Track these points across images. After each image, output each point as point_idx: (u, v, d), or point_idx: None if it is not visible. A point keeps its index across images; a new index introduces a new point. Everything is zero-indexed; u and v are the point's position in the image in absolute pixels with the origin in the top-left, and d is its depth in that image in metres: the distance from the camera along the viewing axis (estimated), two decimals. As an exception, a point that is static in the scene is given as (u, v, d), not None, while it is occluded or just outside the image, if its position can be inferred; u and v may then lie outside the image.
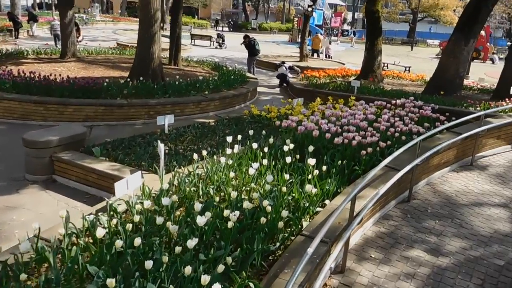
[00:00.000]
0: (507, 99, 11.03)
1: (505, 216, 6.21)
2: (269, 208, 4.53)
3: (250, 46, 17.09)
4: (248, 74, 16.04)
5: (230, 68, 15.91)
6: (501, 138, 8.61)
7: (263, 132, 7.66)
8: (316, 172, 5.63)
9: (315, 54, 26.93)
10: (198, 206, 4.32)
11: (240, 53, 26.61)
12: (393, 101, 9.98)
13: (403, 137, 7.36)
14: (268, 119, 9.70)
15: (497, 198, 6.72)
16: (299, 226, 4.83)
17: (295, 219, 4.79)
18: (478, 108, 10.30)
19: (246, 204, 4.55)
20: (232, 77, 13.87)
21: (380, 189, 5.16)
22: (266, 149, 6.26)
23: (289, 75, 16.77)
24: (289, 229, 4.74)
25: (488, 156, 8.40)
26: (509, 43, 50.04)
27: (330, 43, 27.38)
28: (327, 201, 5.41)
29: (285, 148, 6.24)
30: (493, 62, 34.07)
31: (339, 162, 6.26)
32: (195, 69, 15.93)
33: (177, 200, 4.93)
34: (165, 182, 5.37)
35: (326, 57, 27.00)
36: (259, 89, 15.94)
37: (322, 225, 4.67)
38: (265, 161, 5.93)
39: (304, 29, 22.80)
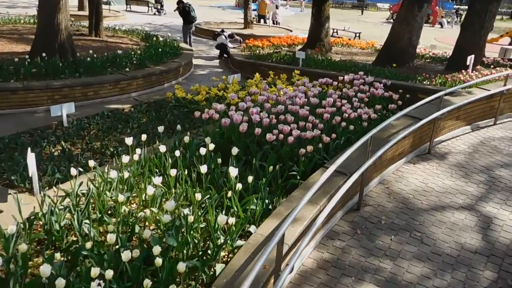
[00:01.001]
0: (463, 70, 10.01)
1: (471, 223, 5.12)
2: (159, 262, 3.12)
3: (185, 12, 15.18)
4: (183, 45, 14.27)
5: (161, 39, 14.05)
6: (460, 118, 7.55)
7: (180, 125, 6.16)
8: (239, 186, 4.26)
9: (262, 20, 25.21)
10: (45, 270, 2.84)
11: (180, 20, 24.48)
12: (341, 77, 8.71)
13: (352, 126, 6.09)
14: (195, 103, 8.17)
15: (461, 198, 5.63)
16: (210, 273, 3.48)
17: (202, 267, 3.42)
18: (434, 83, 9.21)
19: (128, 255, 3.10)
20: (160, 49, 12.07)
21: (324, 207, 3.89)
22: (178, 152, 4.81)
23: (229, 45, 15.11)
24: (192, 283, 3.37)
25: (446, 141, 7.33)
26: (456, 7, 50.10)
27: (277, 7, 25.66)
28: (252, 228, 4.08)
29: (203, 150, 4.81)
30: (441, 26, 33.60)
31: (272, 167, 4.91)
32: (122, 40, 13.96)
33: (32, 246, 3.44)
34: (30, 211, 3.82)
35: (273, 23, 25.36)
36: (196, 61, 14.25)
37: (241, 272, 3.37)
38: (173, 171, 4.49)
39: (248, -7, 20.95)
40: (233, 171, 4.31)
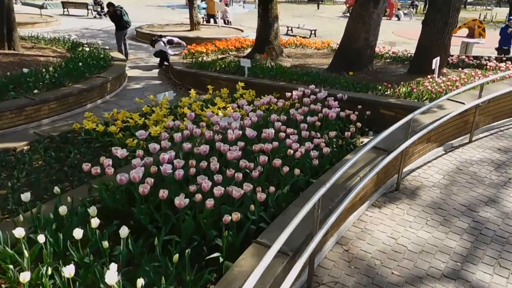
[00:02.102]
0: (428, 75, 8.78)
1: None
2: None
3: (116, 17, 13.36)
4: (116, 55, 12.53)
5: (87, 49, 12.24)
6: (432, 140, 6.27)
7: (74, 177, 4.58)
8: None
9: (212, 20, 23.58)
10: None
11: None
12: (289, 93, 7.32)
13: (297, 171, 4.65)
14: (110, 135, 6.55)
15: (442, 260, 4.29)
16: None
17: None
18: (398, 93, 7.91)
19: None
20: (81, 63, 10.30)
21: None
22: (42, 237, 3.26)
23: (170, 52, 13.45)
24: None
25: (417, 170, 6.03)
26: (411, -3, 49.88)
27: (227, 5, 24.09)
28: None
29: (77, 233, 3.28)
30: (398, 19, 32.93)
31: (187, 247, 3.41)
32: (42, 52, 12.07)
33: None
34: None
35: (224, 22, 23.79)
36: (132, 72, 12.57)
37: None
38: (24, 275, 2.93)
39: (193, -10, 19.22)
40: (111, 278, 2.78)
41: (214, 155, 4.78)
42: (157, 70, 13.28)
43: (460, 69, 10.22)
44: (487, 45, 19.06)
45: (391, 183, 5.55)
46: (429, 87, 7.59)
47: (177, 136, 4.96)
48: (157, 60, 13.73)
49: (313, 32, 21.79)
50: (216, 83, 10.46)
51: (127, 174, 4.03)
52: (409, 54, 12.62)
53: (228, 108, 7.43)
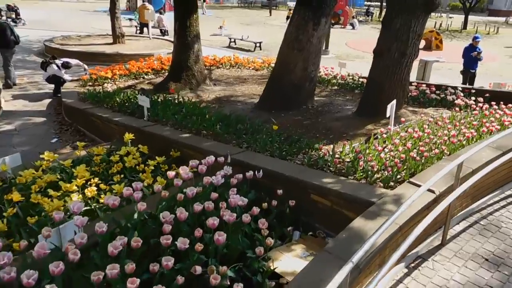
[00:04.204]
0: (382, 130, 6.53)
1: None
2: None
3: (-2, 32, 10.50)
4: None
5: None
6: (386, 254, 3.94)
7: None
8: None
9: (146, 30, 20.81)
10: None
11: (41, 32, 19.49)
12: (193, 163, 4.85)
13: None
14: None
15: None
16: None
17: None
18: (339, 163, 5.53)
19: None
20: None
21: None
22: None
23: (66, 77, 10.69)
24: None
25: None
26: (367, 3, 48.68)
27: (161, 13, 21.41)
28: None
29: None
30: (353, 27, 31.16)
31: None
32: None
33: None
34: None
35: (161, 32, 21.10)
36: (14, 104, 9.81)
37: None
38: None
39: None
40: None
41: None
42: (49, 101, 10.49)
43: (421, 108, 8.07)
44: (446, 57, 17.40)
45: None
46: (382, 155, 5.27)
47: None
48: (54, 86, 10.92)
49: (258, 44, 19.46)
50: (107, 127, 7.89)
51: None
52: (360, 81, 10.47)
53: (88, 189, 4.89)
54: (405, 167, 5.14)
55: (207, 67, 12.41)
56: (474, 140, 5.95)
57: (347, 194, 4.46)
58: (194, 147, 6.09)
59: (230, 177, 4.86)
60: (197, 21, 9.76)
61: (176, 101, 8.28)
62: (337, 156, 5.65)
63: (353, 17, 32.45)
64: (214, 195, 4.35)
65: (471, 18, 36.55)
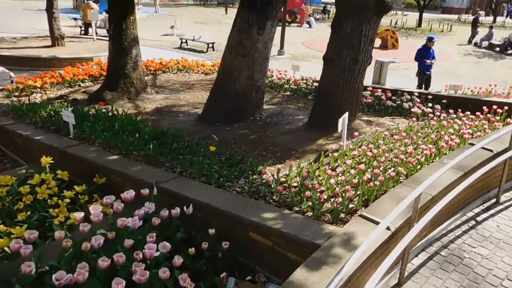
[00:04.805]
0: (334, 147, 5.91)
1: None
2: None
3: None
4: None
5: None
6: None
7: None
8: None
9: (90, 30, 19.54)
10: None
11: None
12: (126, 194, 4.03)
13: None
14: None
15: None
16: None
17: None
18: (284, 187, 4.87)
19: None
20: None
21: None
22: None
23: (-11, 86, 9.56)
24: None
25: None
26: (324, 0, 48.60)
27: (107, 12, 20.12)
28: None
29: None
30: (310, 26, 30.77)
31: None
32: None
33: None
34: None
35: (108, 33, 19.81)
36: None
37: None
38: None
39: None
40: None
41: None
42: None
43: (376, 117, 7.53)
44: (402, 55, 17.15)
45: None
46: (332, 181, 4.61)
47: None
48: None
49: (210, 45, 18.61)
50: (29, 147, 6.93)
51: None
52: (314, 85, 9.90)
53: None
54: (358, 193, 4.53)
55: (151, 72, 11.54)
56: (433, 156, 5.42)
57: (289, 234, 3.78)
58: (120, 173, 5.26)
59: (153, 214, 4.10)
60: (134, 23, 8.87)
61: (111, 114, 7.39)
62: (283, 179, 4.99)
63: (309, 16, 32.06)
64: (129, 242, 3.57)
65: (425, 15, 36.98)
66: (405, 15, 37.52)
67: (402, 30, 32.09)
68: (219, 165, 5.40)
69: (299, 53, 20.46)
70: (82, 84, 10.14)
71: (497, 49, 24.81)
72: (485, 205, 5.39)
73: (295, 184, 4.89)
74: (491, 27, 27.22)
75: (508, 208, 5.35)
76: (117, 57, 8.78)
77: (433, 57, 11.55)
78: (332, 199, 4.39)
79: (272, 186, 4.67)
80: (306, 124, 7.07)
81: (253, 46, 7.10)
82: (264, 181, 4.73)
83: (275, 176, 4.93)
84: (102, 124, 6.76)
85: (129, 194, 4.10)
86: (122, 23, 8.67)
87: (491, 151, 5.21)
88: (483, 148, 5.04)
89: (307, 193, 4.32)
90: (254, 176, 5.08)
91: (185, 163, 5.32)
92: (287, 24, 30.13)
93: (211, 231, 4.01)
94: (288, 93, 9.91)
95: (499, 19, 44.92)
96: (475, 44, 26.65)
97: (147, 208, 4.05)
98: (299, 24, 30.44)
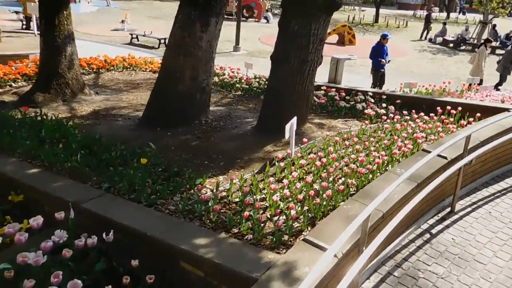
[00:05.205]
0: (280, 156, 5.47)
1: None
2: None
3: None
4: None
5: None
6: None
7: None
8: None
9: (32, 25, 18.30)
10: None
11: None
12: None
13: None
14: None
15: None
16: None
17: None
18: (223, 204, 4.37)
19: None
20: None
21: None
22: None
23: None
24: None
25: None
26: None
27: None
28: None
29: None
30: (267, 21, 30.36)
31: None
32: None
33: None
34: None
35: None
36: None
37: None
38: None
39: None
40: None
41: None
42: None
43: (329, 119, 7.15)
44: (359, 51, 16.99)
45: None
46: (275, 197, 4.15)
47: None
48: None
49: (162, 41, 17.84)
50: None
51: None
52: (265, 84, 9.43)
53: None
54: (304, 209, 4.09)
55: (94, 71, 10.75)
56: (386, 164, 5.07)
57: (223, 266, 3.28)
58: (37, 190, 4.61)
59: (67, 243, 3.51)
60: (69, 18, 8.10)
61: (40, 118, 6.66)
62: (224, 193, 4.50)
63: (267, 10, 31.64)
64: (29, 284, 2.97)
65: (382, 11, 37.36)
66: (363, 10, 37.75)
67: (359, 26, 32.24)
68: (154, 177, 4.84)
69: (255, 49, 20.00)
70: (14, 84, 9.26)
71: (451, 45, 25.27)
72: (440, 215, 5.10)
73: (237, 200, 4.41)
74: (444, 23, 27.73)
75: (463, 218, 5.08)
76: (50, 56, 7.99)
77: (387, 54, 11.36)
78: (275, 218, 3.94)
79: (210, 203, 4.16)
80: (254, 128, 6.59)
81: (197, 44, 6.54)
82: (200, 197, 4.21)
83: (214, 191, 4.43)
84: (26, 131, 6.03)
85: (36, 221, 3.49)
86: (54, 18, 7.89)
87: (446, 158, 4.90)
88: (438, 155, 4.72)
89: (246, 213, 3.83)
90: (192, 191, 4.55)
91: (114, 177, 4.73)
92: (244, 19, 29.70)
93: (134, 262, 3.46)
94: (240, 92, 9.43)
95: (453, 15, 46.12)
96: (430, 40, 27.06)
97: (57, 237, 3.45)
98: (256, 19, 29.97)
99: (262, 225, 3.80)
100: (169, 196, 4.48)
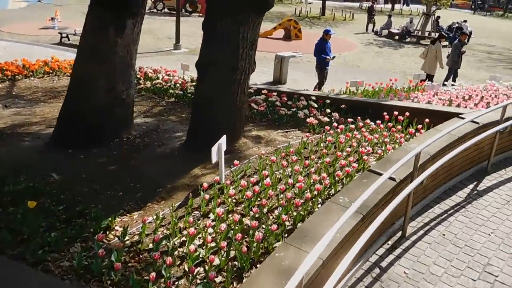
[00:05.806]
0: (207, 183, 4.68)
1: None
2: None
3: None
4: None
5: None
6: None
7: None
8: None
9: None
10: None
11: None
12: None
13: None
14: None
15: None
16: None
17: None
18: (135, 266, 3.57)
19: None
20: None
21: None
22: None
23: None
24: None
25: None
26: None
27: None
28: None
29: None
30: (213, 16, 29.31)
31: None
32: None
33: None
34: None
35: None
36: None
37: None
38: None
39: None
40: None
41: None
42: None
43: (268, 130, 6.44)
44: (306, 46, 16.36)
45: None
46: (193, 246, 3.39)
47: None
48: None
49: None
50: None
51: None
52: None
53: None
54: (229, 257, 3.36)
55: (9, 78, 9.52)
56: (328, 188, 4.41)
57: None
58: None
59: None
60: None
61: None
62: (136, 237, 3.69)
63: (212, 5, 30.56)
64: None
65: (328, 4, 37.17)
66: (310, 3, 37.42)
67: (306, 19, 31.84)
68: (51, 220, 3.95)
69: (198, 47, 18.93)
70: None
71: (396, 37, 25.30)
72: (390, 242, 4.50)
73: (150, 246, 3.61)
74: (389, 16, 27.75)
75: (416, 244, 4.51)
76: None
77: (330, 51, 10.85)
78: (191, 275, 3.17)
79: (113, 257, 3.34)
80: (183, 145, 5.78)
81: (111, 51, 5.64)
82: (98, 253, 3.36)
83: (121, 238, 3.60)
84: None
85: None
86: None
87: (394, 180, 4.30)
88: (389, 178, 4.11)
89: (152, 275, 3.03)
90: (96, 237, 3.70)
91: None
92: (187, 14, 28.52)
93: None
94: (173, 99, 8.55)
95: (397, 6, 46.76)
96: (376, 33, 27.01)
97: None
98: (200, 14, 28.82)
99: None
100: (66, 248, 3.60)
